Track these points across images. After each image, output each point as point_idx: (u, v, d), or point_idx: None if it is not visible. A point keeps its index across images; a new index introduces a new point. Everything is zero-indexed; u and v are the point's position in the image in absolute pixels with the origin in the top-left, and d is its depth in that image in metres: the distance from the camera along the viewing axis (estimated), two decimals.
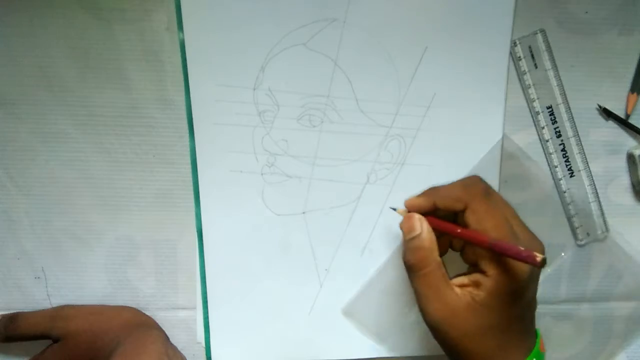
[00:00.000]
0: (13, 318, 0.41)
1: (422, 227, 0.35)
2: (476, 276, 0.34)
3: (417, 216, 0.35)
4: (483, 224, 0.33)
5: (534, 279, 0.34)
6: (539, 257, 0.31)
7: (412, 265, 0.35)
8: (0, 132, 0.41)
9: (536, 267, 0.32)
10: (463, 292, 0.33)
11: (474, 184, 0.35)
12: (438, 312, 0.33)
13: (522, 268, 0.32)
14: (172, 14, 0.39)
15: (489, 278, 0.33)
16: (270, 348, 0.43)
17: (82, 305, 0.42)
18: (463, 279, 0.34)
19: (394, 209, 0.38)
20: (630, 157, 0.43)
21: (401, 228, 0.36)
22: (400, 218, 0.37)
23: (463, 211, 0.35)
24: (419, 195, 0.37)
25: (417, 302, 0.35)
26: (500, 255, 0.33)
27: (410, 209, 0.37)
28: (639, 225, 0.44)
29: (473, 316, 0.33)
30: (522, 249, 0.31)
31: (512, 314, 0.33)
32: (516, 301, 0.33)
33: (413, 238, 0.35)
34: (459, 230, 0.34)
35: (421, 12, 0.40)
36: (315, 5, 0.39)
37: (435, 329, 0.34)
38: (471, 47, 0.40)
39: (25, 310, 0.42)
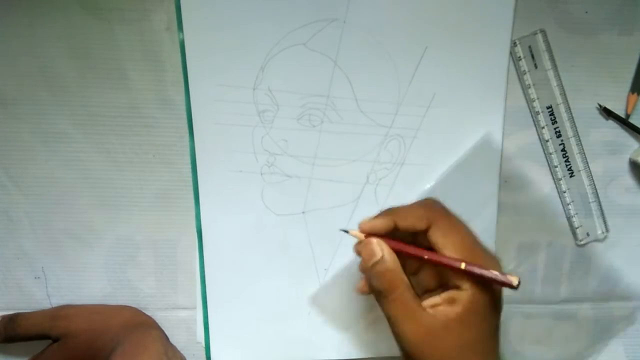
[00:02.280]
0: (13, 318, 0.41)
1: (382, 250, 0.33)
2: (449, 293, 0.32)
3: (375, 240, 0.34)
4: (448, 239, 0.33)
5: (502, 291, 0.33)
6: (514, 279, 0.31)
7: (380, 291, 0.33)
8: (0, 132, 0.41)
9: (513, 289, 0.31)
10: (436, 312, 0.32)
11: (433, 203, 0.35)
12: (414, 334, 0.32)
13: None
14: (172, 14, 0.39)
15: (465, 292, 0.32)
16: (270, 348, 0.43)
17: (82, 305, 0.42)
18: (435, 299, 0.33)
19: (346, 232, 0.36)
20: (635, 164, 0.43)
21: (358, 254, 0.34)
22: (353, 241, 0.35)
23: (424, 232, 0.33)
24: (376, 217, 0.35)
25: (390, 327, 0.33)
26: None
27: (368, 231, 0.35)
28: (639, 225, 0.44)
29: (450, 335, 0.32)
30: (497, 273, 0.31)
31: (488, 329, 0.33)
32: (492, 314, 0.32)
33: (375, 263, 0.33)
34: (426, 256, 0.33)
35: (421, 12, 0.40)
36: (315, 5, 0.39)
37: (412, 353, 0.32)
38: (471, 47, 0.40)
39: (25, 311, 0.42)
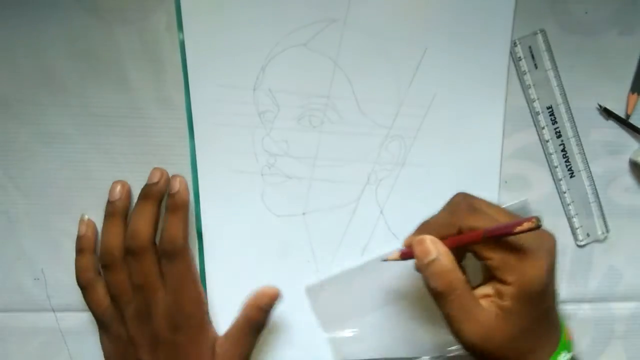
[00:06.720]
0: None
1: (437, 249, 0.34)
2: (497, 285, 0.34)
3: (428, 238, 0.34)
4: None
5: (552, 273, 0.34)
6: (531, 221, 0.31)
7: (440, 292, 0.33)
8: (0, 132, 0.41)
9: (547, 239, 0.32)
10: (488, 304, 0.34)
11: (457, 205, 0.35)
12: (475, 332, 0.33)
13: (540, 267, 0.33)
14: (172, 14, 0.39)
15: (511, 286, 0.33)
16: (269, 348, 0.43)
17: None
18: (486, 289, 0.34)
19: (386, 260, 0.38)
20: (635, 164, 0.43)
21: (414, 254, 0.35)
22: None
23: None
24: (414, 233, 0.37)
25: (448, 325, 0.34)
26: (500, 242, 0.33)
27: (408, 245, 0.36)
28: (639, 225, 0.44)
29: (504, 326, 0.33)
30: (512, 222, 0.31)
31: (539, 313, 0.34)
32: (540, 300, 0.33)
33: (431, 262, 0.34)
34: (453, 238, 0.34)
35: (421, 12, 0.40)
36: (315, 6, 0.39)
37: (474, 349, 0.33)
38: (471, 48, 0.40)
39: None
